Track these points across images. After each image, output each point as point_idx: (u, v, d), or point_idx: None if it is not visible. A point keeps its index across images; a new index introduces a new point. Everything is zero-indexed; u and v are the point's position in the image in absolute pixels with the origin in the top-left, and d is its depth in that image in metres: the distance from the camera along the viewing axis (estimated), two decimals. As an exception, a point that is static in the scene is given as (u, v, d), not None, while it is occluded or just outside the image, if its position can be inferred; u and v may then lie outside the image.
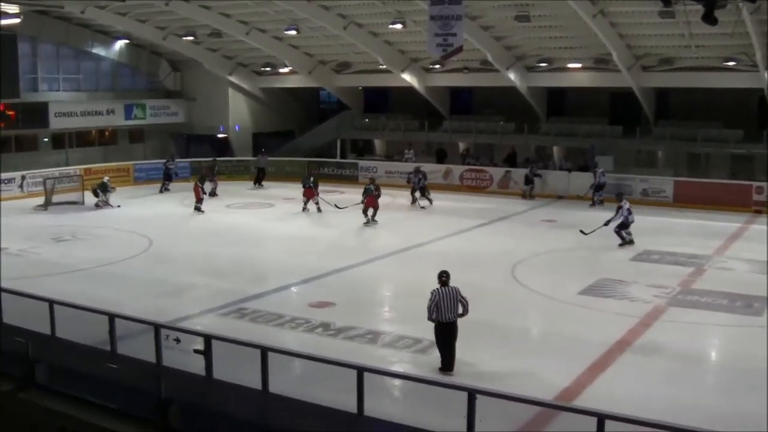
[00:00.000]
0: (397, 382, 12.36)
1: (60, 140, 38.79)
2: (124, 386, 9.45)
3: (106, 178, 32.57)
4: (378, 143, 43.68)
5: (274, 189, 35.71)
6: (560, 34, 32.10)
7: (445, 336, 13.36)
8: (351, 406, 10.41)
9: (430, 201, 31.07)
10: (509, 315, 16.92)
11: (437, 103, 39.55)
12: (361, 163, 39.04)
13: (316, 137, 42.53)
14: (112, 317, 13.13)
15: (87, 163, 37.04)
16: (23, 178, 33.99)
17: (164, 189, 35.16)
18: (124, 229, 26.68)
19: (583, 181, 32.18)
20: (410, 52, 36.52)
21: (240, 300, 17.70)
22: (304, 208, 29.75)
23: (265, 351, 11.24)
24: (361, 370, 10.53)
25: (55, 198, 31.47)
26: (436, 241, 24.57)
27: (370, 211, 27.56)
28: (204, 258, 22.74)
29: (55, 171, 34.51)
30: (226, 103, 42.38)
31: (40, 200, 31.46)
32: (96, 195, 31.23)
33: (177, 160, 37.85)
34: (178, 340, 12.47)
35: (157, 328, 12.55)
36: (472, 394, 9.49)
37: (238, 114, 42.77)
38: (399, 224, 27.63)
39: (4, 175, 33.68)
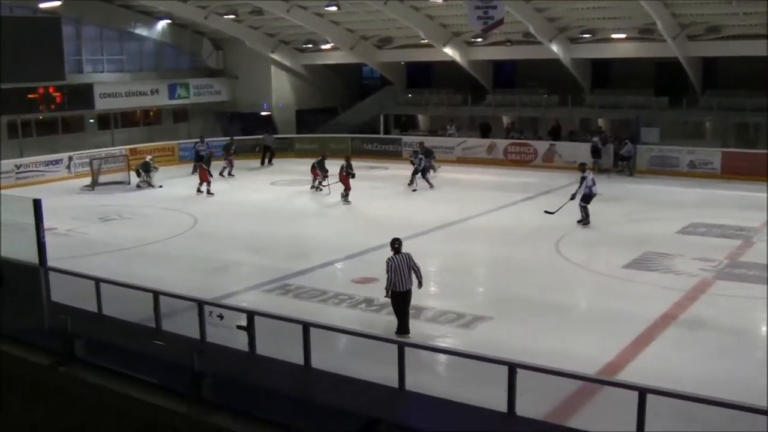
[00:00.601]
0: (438, 356, 12.41)
1: (105, 121, 39.22)
2: (167, 362, 9.60)
3: (148, 158, 32.90)
4: (421, 118, 43.58)
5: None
6: (603, 5, 31.68)
7: (400, 303, 13.65)
8: (392, 380, 10.48)
9: (431, 184, 29.68)
10: (552, 289, 16.83)
11: (480, 77, 39.32)
12: (405, 138, 38.99)
13: (359, 113, 42.52)
14: (156, 295, 13.36)
15: (132, 143, 37.53)
16: (70, 159, 34.56)
17: (195, 171, 35.12)
18: (169, 207, 27.01)
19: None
20: (452, 26, 36.30)
21: (284, 276, 17.84)
22: (316, 187, 29.47)
23: (307, 326, 11.35)
24: (402, 345, 10.60)
25: (102, 178, 31.90)
26: (480, 216, 24.52)
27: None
28: (248, 235, 22.92)
29: (101, 151, 34.98)
30: (269, 81, 42.55)
31: (87, 180, 31.96)
32: (138, 175, 31.59)
33: (207, 139, 37.87)
34: (221, 317, 12.64)
35: (200, 304, 12.73)
36: (512, 368, 9.53)
37: (280, 91, 42.92)
38: (443, 199, 27.58)
39: (52, 157, 34.34)
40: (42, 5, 32.77)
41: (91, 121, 39.00)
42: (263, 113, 42.72)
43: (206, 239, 22.41)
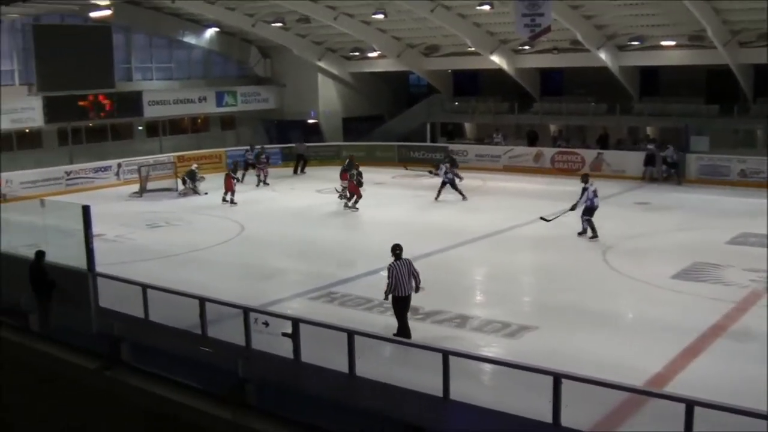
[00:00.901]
0: (483, 365, 12.35)
1: (154, 128, 39.68)
2: (212, 367, 9.67)
3: (194, 166, 33.22)
4: (468, 126, 43.48)
5: (364, 173, 35.76)
6: (652, 11, 31.38)
7: (401, 307, 13.85)
8: (437, 389, 10.45)
9: (463, 196, 28.63)
10: (600, 299, 16.70)
11: (527, 85, 39.15)
12: (451, 146, 38.90)
13: (406, 121, 42.56)
14: (202, 301, 13.47)
15: (180, 151, 37.97)
16: (119, 165, 35.09)
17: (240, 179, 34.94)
18: (217, 215, 27.23)
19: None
20: (499, 34, 36.21)
21: (329, 284, 17.89)
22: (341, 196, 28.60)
23: (351, 334, 11.37)
24: (447, 354, 10.57)
25: (150, 185, 32.30)
26: (526, 225, 24.36)
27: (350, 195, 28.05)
28: (294, 243, 23.04)
29: (149, 158, 35.43)
30: (316, 89, 42.74)
31: (136, 187, 32.38)
32: (184, 183, 31.89)
33: (261, 146, 38.07)
34: (266, 324, 12.70)
35: (246, 311, 12.81)
36: (558, 378, 9.46)
37: (327, 99, 43.10)
38: (488, 208, 27.48)
39: (101, 163, 34.86)
40: (93, 15, 33.28)
41: (140, 128, 39.50)
42: (310, 121, 42.94)
43: (252, 246, 22.56)
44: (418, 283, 13.99)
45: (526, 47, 36.39)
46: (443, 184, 28.90)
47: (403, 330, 13.70)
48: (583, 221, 22.28)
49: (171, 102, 39.09)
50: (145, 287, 14.46)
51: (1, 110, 31.93)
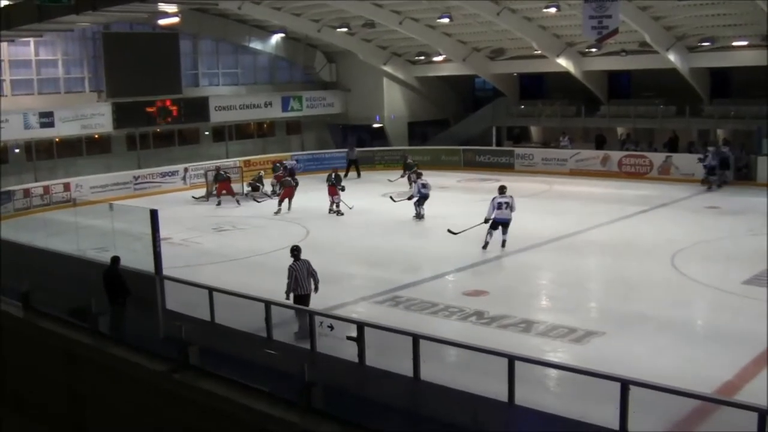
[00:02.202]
0: (549, 371, 12.27)
1: (220, 133, 40.22)
2: (278, 371, 9.78)
3: (261, 172, 33.57)
4: (534, 130, 43.19)
5: (429, 178, 35.64)
6: (724, 11, 30.82)
7: (301, 305, 14.34)
8: (502, 394, 10.43)
9: (421, 215, 27.62)
10: (668, 305, 16.45)
11: (594, 88, 38.76)
12: (517, 150, 38.75)
13: (472, 125, 42.47)
14: (268, 304, 13.61)
15: (246, 155, 38.48)
16: (186, 170, 35.66)
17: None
18: (283, 219, 27.49)
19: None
20: (565, 36, 35.93)
21: (395, 288, 17.97)
22: (331, 210, 28.40)
23: (416, 338, 11.39)
24: (512, 359, 10.52)
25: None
26: (594, 229, 24.17)
27: (287, 202, 28.98)
28: (360, 247, 23.19)
29: (215, 163, 35.88)
30: (381, 93, 42.84)
31: (202, 191, 32.81)
32: (255, 189, 32.22)
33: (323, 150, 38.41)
34: (332, 327, 12.79)
35: (311, 315, 12.91)
36: (625, 384, 9.34)
37: (393, 103, 43.19)
38: (555, 212, 27.26)
39: (168, 168, 35.47)
40: (161, 22, 33.87)
41: (206, 133, 40.08)
42: (375, 125, 43.10)
43: (318, 251, 22.58)
44: (316, 282, 14.91)
45: (594, 50, 36.04)
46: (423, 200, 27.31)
47: (303, 331, 13.70)
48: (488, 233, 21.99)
49: (237, 107, 39.58)
50: (211, 290, 14.66)
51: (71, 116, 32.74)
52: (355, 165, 38.43)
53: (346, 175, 36.52)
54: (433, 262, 20.97)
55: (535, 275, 20.13)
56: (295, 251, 15.16)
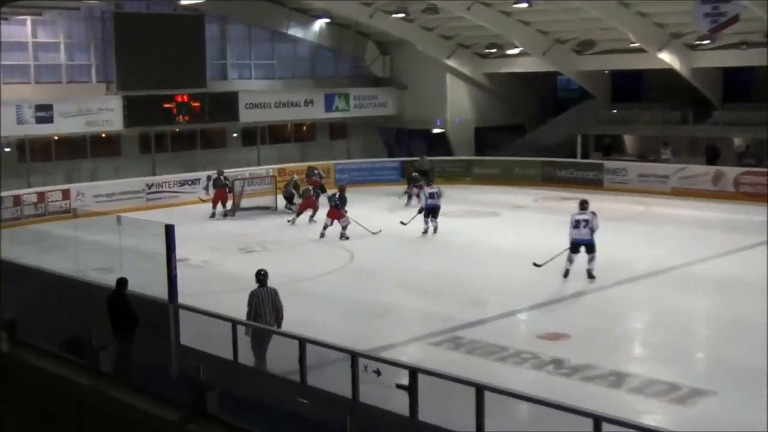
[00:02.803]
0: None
1: (251, 136, 40.48)
2: (313, 423, 9.71)
3: (295, 176, 33.77)
4: (628, 140, 42.87)
5: (499, 194, 35.77)
6: None
7: (259, 344, 14.20)
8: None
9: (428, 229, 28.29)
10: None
11: (705, 89, 38.40)
12: (607, 164, 38.48)
13: (552, 132, 42.28)
14: (303, 342, 13.51)
15: (281, 163, 38.60)
16: (209, 179, 35.57)
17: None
18: (325, 242, 27.51)
19: None
20: (670, 26, 35.67)
21: (455, 327, 17.85)
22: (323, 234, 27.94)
23: (481, 390, 11.22)
24: (598, 419, 10.33)
25: (244, 202, 32.94)
26: (702, 262, 23.86)
27: (309, 212, 29.67)
28: (414, 275, 23.08)
29: (245, 171, 36.09)
30: (444, 92, 42.91)
31: (228, 204, 32.97)
32: (290, 199, 32.35)
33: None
34: (378, 372, 12.67)
35: (354, 356, 12.81)
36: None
37: (457, 104, 43.20)
38: (654, 239, 26.97)
39: (188, 175, 35.71)
40: (183, 2, 34.20)
41: (235, 135, 40.39)
42: (435, 130, 43.09)
43: (364, 278, 22.69)
44: (279, 318, 14.66)
45: (706, 42, 35.65)
46: (430, 212, 27.99)
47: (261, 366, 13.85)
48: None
49: (272, 105, 39.83)
50: (235, 323, 14.62)
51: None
52: (426, 177, 37.97)
53: (408, 197, 34.80)
54: (500, 295, 20.77)
55: (628, 316, 19.89)
56: (260, 276, 15.08)
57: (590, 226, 21.63)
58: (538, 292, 20.68)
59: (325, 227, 27.79)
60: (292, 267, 23.74)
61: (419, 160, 38.85)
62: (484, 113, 43.69)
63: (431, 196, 27.58)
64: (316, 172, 34.70)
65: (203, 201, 32.95)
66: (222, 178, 32.71)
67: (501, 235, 27.94)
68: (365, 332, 17.10)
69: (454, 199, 34.58)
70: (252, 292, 14.81)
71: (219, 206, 32.53)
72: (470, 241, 27.30)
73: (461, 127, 43.15)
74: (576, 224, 21.70)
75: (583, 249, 21.64)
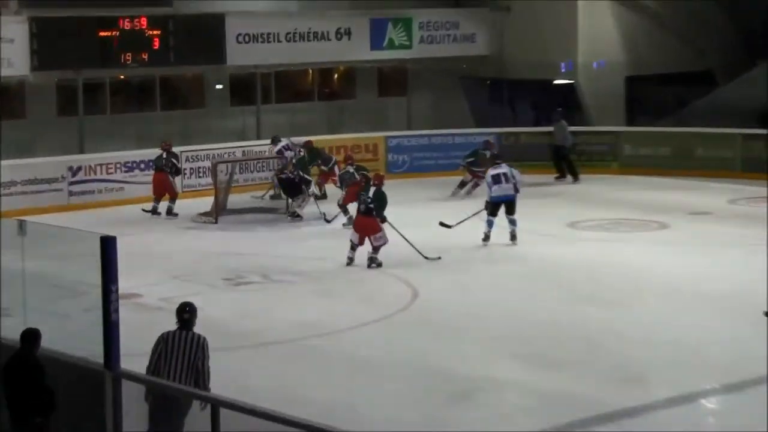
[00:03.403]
0: None
1: (245, 88, 40.56)
2: None
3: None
4: None
5: (668, 192, 35.52)
6: None
7: (168, 413, 13.97)
8: None
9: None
10: None
11: None
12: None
13: (757, 87, 41.84)
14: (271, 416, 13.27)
15: (295, 134, 38.31)
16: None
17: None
18: (358, 262, 27.40)
19: None
20: None
21: (596, 417, 17.63)
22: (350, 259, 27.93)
23: None
24: None
25: (233, 199, 32.89)
26: None
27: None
28: (519, 325, 22.92)
29: (234, 148, 36.02)
30: (574, 20, 42.86)
31: (206, 202, 32.85)
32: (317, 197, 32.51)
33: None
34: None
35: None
36: None
37: (596, 39, 43.30)
38: None
39: (140, 153, 35.51)
40: None
41: (219, 87, 40.38)
42: (558, 82, 42.89)
43: (434, 330, 22.50)
44: (202, 381, 14.28)
45: None
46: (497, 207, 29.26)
47: None
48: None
49: (281, 38, 39.85)
50: (215, 404, 14.45)
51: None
52: (566, 159, 37.96)
53: (560, 175, 36.67)
54: (675, 365, 20.45)
55: None
56: (184, 313, 14.74)
57: (513, 181, 24.85)
58: (737, 358, 20.26)
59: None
60: (311, 311, 23.69)
61: (557, 126, 38.53)
62: (645, 54, 43.63)
63: (496, 179, 27.43)
64: (351, 170, 34.17)
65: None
66: (164, 155, 32.52)
67: (670, 258, 27.67)
68: (438, 422, 16.90)
69: (589, 198, 34.46)
70: (162, 335, 14.50)
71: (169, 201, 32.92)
72: (616, 268, 27.11)
73: (604, 76, 43.07)
74: (496, 179, 24.94)
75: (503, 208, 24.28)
